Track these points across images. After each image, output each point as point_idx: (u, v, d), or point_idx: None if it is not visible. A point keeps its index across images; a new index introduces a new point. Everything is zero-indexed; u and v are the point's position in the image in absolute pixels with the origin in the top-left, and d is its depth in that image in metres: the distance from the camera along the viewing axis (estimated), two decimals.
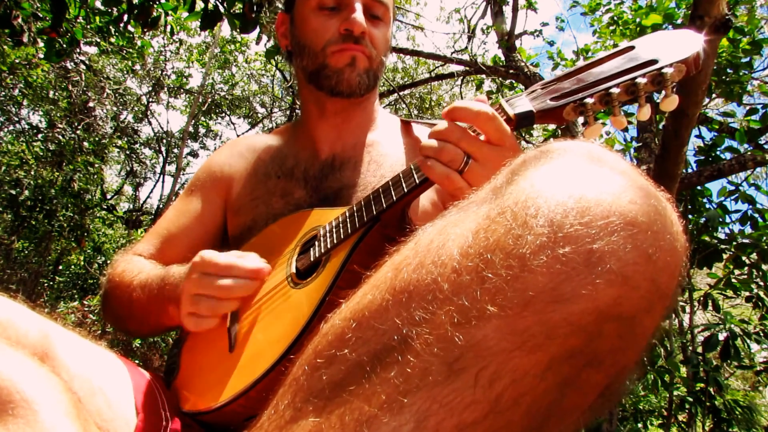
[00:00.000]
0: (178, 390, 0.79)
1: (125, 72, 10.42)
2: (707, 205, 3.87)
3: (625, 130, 4.32)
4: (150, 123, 11.90)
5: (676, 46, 0.61)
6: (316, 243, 0.81)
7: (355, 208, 0.78)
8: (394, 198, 0.72)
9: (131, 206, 12.64)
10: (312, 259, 0.79)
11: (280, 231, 0.90)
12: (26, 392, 0.46)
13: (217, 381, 0.74)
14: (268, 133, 1.16)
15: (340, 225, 0.78)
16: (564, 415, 0.37)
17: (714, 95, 3.80)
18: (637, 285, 0.36)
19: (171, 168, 12.27)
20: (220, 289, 0.78)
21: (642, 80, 0.60)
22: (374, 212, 0.74)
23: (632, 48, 0.64)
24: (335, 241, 0.77)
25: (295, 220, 0.90)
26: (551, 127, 4.85)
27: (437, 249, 0.40)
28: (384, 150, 1.01)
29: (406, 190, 0.72)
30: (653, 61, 0.61)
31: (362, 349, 0.39)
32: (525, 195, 0.39)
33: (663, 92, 0.59)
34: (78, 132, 8.35)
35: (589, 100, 0.63)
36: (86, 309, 5.81)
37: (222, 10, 2.62)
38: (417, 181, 0.71)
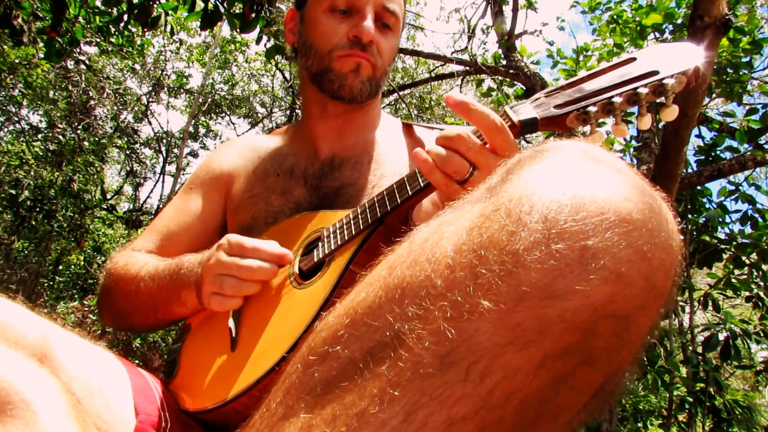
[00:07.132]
0: (179, 389, 0.79)
1: (125, 72, 10.42)
2: (707, 205, 3.87)
3: None
4: (150, 123, 11.91)
5: (677, 58, 0.62)
6: (320, 244, 0.81)
7: (359, 211, 0.78)
8: (399, 201, 0.73)
9: (131, 206, 12.64)
10: (316, 260, 0.79)
11: (282, 232, 0.90)
12: (25, 393, 0.46)
13: (220, 379, 0.74)
14: (268, 133, 1.17)
15: (344, 227, 0.78)
16: (558, 414, 0.37)
17: (714, 95, 3.80)
18: (632, 282, 0.35)
19: (171, 168, 12.27)
20: (243, 269, 0.78)
21: (644, 90, 0.61)
22: (378, 215, 0.74)
23: (634, 59, 0.65)
24: (339, 243, 0.77)
25: (298, 222, 0.90)
26: None
27: (431, 247, 0.40)
28: (384, 150, 1.01)
29: (410, 193, 0.72)
30: (654, 72, 0.62)
31: (355, 345, 0.39)
32: (519, 192, 0.39)
33: (664, 102, 0.61)
34: (78, 132, 8.34)
35: (592, 109, 0.63)
36: (86, 309, 5.81)
37: (222, 10, 2.62)
38: (422, 185, 0.71)
